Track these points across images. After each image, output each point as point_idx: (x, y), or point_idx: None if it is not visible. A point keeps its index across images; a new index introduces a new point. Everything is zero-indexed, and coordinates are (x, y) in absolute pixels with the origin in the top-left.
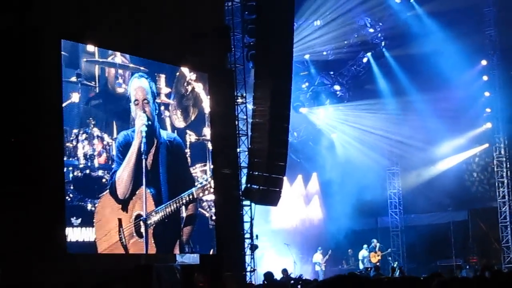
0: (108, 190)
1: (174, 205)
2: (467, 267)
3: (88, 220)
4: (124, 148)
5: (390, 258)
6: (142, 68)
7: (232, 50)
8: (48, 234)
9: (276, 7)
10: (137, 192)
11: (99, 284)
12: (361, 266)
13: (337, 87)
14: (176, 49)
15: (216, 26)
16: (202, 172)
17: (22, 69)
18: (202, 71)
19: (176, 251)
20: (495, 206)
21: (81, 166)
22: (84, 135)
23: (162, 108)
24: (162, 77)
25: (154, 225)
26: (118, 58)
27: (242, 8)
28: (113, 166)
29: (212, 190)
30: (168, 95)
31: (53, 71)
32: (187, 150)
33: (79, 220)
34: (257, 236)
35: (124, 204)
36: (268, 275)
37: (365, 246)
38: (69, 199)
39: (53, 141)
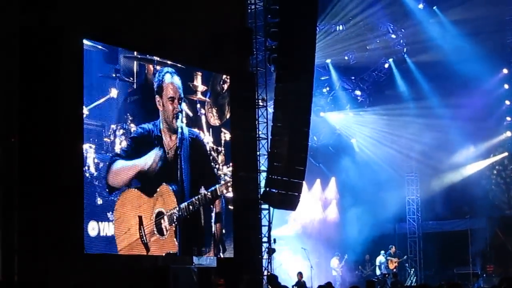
0: (127, 187)
1: (197, 202)
2: (484, 275)
3: None
4: (140, 139)
5: (407, 264)
6: (179, 65)
7: (254, 53)
8: (66, 234)
9: (299, 11)
10: (158, 190)
11: None
12: (378, 272)
13: (358, 92)
14: (198, 51)
15: (238, 28)
16: None
17: (44, 68)
18: (224, 74)
19: (199, 249)
20: None
21: None
22: (122, 131)
23: (198, 105)
24: (199, 75)
25: (176, 222)
26: None
27: (265, 11)
28: None
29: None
30: (204, 93)
31: (75, 71)
32: (221, 148)
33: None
34: (275, 240)
35: (145, 201)
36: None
37: (382, 252)
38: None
39: (73, 141)
